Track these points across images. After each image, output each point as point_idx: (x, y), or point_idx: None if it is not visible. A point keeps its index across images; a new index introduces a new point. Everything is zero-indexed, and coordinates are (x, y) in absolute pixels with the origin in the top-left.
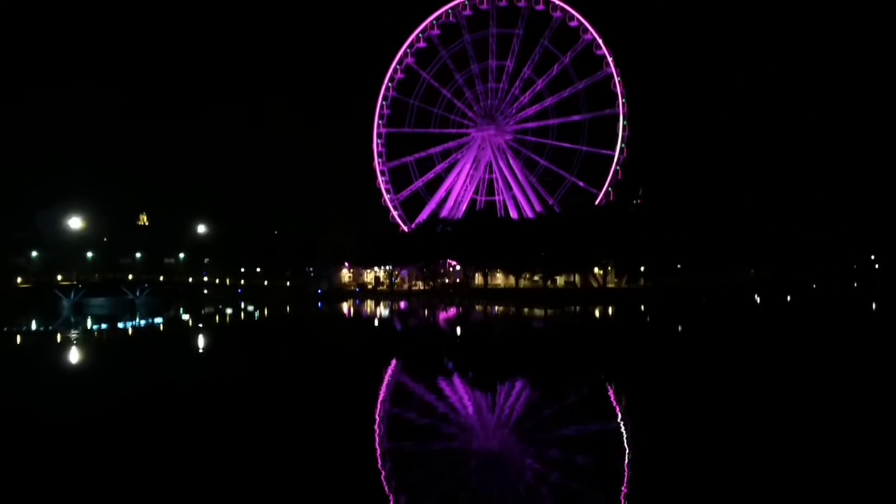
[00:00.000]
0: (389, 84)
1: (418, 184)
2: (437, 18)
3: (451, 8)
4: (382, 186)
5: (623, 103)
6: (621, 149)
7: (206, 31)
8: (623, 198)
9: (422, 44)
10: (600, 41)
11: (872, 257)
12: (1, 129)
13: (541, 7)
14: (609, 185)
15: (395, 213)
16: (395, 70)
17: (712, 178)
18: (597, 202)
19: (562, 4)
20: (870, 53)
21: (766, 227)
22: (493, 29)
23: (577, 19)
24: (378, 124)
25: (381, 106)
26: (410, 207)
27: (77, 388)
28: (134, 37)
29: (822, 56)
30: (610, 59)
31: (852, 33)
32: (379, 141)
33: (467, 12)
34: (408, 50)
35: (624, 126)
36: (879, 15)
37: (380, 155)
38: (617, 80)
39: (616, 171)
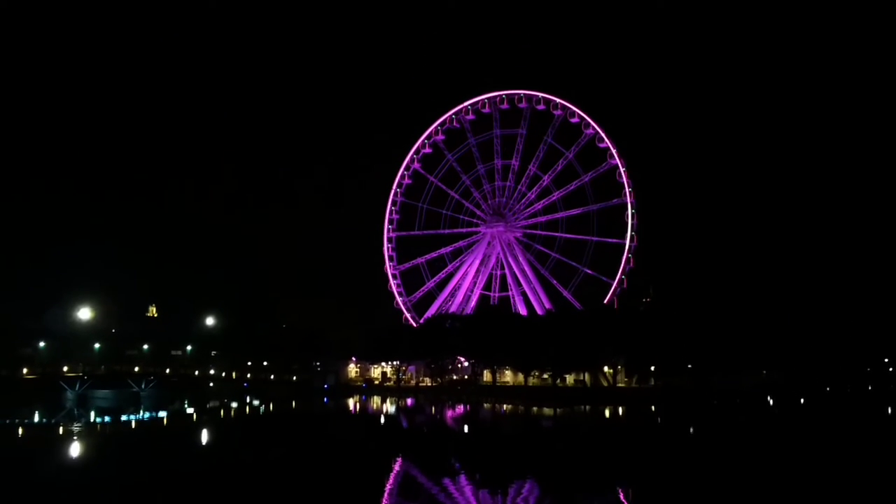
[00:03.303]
0: (398, 189)
1: (430, 284)
2: (441, 124)
3: (455, 113)
4: (395, 290)
5: (630, 192)
6: (632, 236)
7: (219, 130)
8: (635, 288)
9: (427, 149)
10: (603, 134)
11: (886, 360)
12: (12, 218)
13: (542, 107)
14: (622, 274)
15: (407, 315)
16: (402, 176)
17: (724, 273)
18: (611, 291)
19: (562, 102)
20: (871, 123)
21: (779, 328)
22: (497, 130)
23: (579, 115)
24: (388, 229)
25: (391, 211)
26: (423, 307)
27: (67, 487)
28: (144, 136)
29: (828, 137)
30: (614, 151)
31: (852, 98)
32: (389, 245)
33: (470, 116)
34: (414, 156)
35: (633, 214)
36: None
37: (391, 258)
38: (622, 170)
39: (628, 259)
